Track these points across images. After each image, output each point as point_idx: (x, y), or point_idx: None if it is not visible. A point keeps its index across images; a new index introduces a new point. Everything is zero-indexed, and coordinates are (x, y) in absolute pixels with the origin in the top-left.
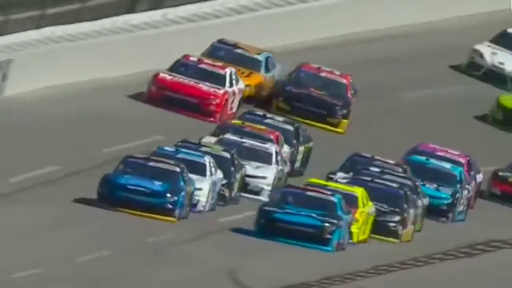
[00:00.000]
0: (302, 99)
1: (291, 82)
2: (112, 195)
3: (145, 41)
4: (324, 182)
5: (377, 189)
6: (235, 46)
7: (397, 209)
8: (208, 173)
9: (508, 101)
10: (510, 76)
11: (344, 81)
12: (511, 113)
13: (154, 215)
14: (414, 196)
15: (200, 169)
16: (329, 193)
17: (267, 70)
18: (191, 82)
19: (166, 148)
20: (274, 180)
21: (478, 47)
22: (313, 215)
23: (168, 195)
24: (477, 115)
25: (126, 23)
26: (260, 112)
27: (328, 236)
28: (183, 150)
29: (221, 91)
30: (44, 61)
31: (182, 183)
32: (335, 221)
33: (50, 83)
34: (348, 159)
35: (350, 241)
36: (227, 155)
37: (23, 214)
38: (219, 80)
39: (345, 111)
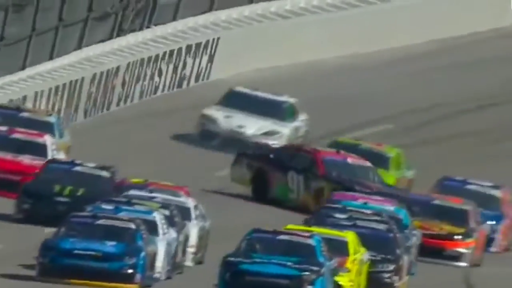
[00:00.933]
0: None
1: (345, 180)
2: (55, 264)
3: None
4: (303, 227)
5: (360, 234)
6: (19, 109)
7: (389, 256)
8: (160, 231)
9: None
10: (250, 141)
11: (368, 164)
12: None
13: (109, 284)
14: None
15: (149, 228)
16: (305, 235)
17: (61, 134)
18: (7, 156)
19: (104, 206)
20: (197, 239)
21: (208, 112)
22: (288, 263)
23: (126, 257)
24: None
25: None
26: (68, 159)
27: (309, 287)
28: (124, 207)
29: None
30: (254, 41)
31: (140, 242)
32: (315, 268)
33: (262, 66)
34: (315, 213)
35: None
36: (167, 212)
37: None
38: (39, 150)
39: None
